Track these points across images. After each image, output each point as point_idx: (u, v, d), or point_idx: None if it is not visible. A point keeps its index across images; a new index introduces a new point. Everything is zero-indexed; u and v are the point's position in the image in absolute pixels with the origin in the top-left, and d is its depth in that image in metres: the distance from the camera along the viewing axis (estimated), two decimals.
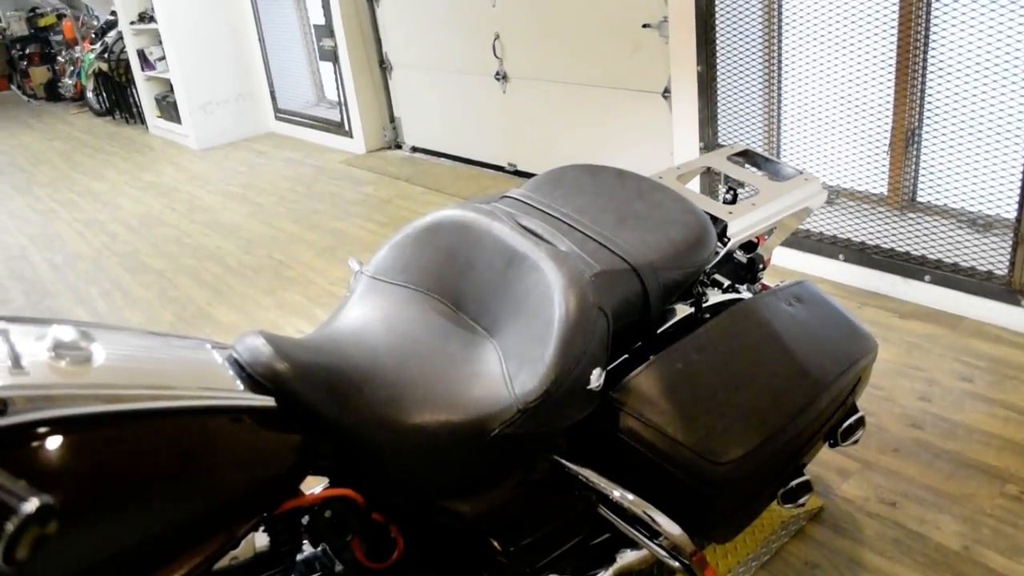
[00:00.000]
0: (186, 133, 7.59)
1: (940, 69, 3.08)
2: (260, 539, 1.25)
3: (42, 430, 0.93)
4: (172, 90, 7.64)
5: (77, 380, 1.01)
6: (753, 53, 3.55)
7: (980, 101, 2.95)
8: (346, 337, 1.42)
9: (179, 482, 1.02)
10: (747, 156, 2.11)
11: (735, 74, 3.60)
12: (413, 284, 1.56)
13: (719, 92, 3.64)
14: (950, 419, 2.52)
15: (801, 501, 1.68)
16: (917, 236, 3.16)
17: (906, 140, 3.25)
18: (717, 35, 3.54)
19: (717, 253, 1.71)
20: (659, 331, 1.65)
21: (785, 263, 3.59)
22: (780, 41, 3.52)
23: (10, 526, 0.71)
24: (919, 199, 3.31)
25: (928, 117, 3.19)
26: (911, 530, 2.12)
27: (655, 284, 1.51)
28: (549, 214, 1.61)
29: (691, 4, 3.55)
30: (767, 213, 1.81)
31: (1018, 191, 2.80)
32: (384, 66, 6.33)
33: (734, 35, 3.53)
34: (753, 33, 3.51)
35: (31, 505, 0.72)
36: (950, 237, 3.07)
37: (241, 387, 1.18)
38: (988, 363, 2.77)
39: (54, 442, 0.93)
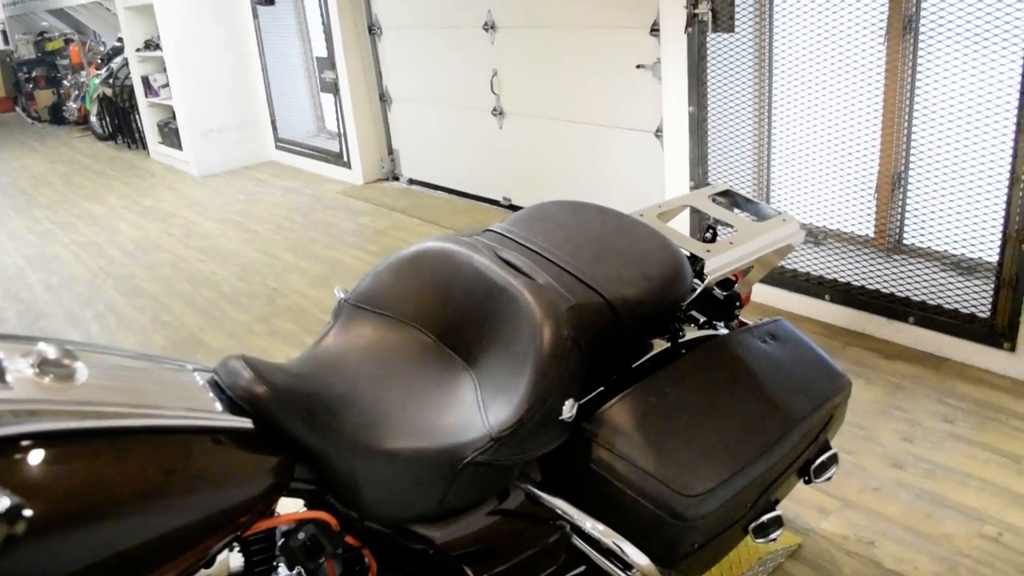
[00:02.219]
0: (187, 159, 7.67)
1: (926, 114, 3.15)
2: (235, 559, 1.27)
3: (23, 443, 0.96)
4: (175, 117, 7.73)
5: (60, 396, 1.04)
6: (744, 95, 3.62)
7: (964, 146, 3.01)
8: (326, 363, 1.45)
9: (155, 499, 1.05)
10: (728, 196, 2.15)
11: (726, 115, 3.66)
12: (394, 313, 1.60)
13: (710, 132, 3.71)
14: (931, 459, 2.54)
15: (772, 536, 1.70)
16: (902, 278, 3.21)
17: (893, 183, 3.31)
18: (709, 77, 3.62)
19: (694, 289, 1.75)
20: (635, 365, 1.69)
21: (771, 301, 3.63)
22: (771, 84, 3.60)
23: None
24: (905, 241, 3.36)
25: (914, 161, 3.25)
26: (888, 569, 2.13)
27: (630, 318, 1.54)
28: (529, 248, 1.65)
29: (684, 46, 3.63)
30: (744, 252, 1.86)
31: (1000, 235, 2.85)
32: (384, 99, 6.42)
33: (726, 77, 3.60)
34: (744, 76, 3.58)
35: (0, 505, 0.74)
36: (934, 279, 3.11)
37: (220, 408, 1.21)
38: (970, 405, 2.79)
39: (34, 455, 0.96)
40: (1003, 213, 2.82)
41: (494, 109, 5.34)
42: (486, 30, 5.16)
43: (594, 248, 1.64)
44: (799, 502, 2.39)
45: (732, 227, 1.98)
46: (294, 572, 1.51)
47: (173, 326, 4.10)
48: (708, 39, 3.56)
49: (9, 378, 1.03)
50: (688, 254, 1.78)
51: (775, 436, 1.56)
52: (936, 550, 2.18)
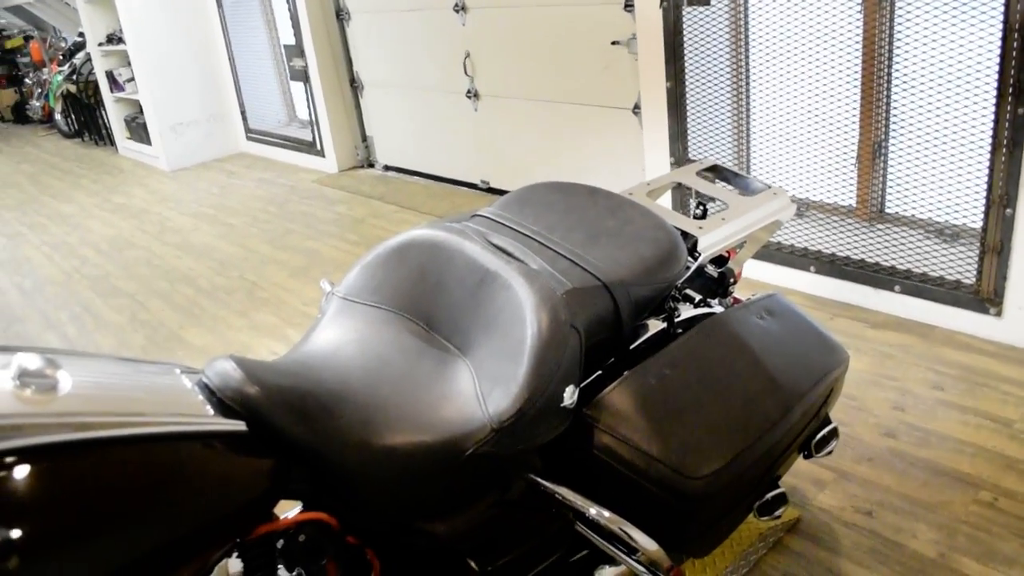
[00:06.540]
0: (156, 154, 7.54)
1: (905, 82, 3.13)
2: (233, 565, 1.23)
3: (8, 460, 0.92)
4: (142, 111, 7.59)
5: (43, 408, 1.00)
6: (721, 69, 3.59)
7: (945, 112, 3.00)
8: (318, 359, 1.41)
9: (149, 510, 1.00)
10: (716, 171, 2.12)
11: (704, 90, 3.63)
12: (385, 305, 1.56)
13: (688, 108, 3.68)
14: (923, 427, 2.54)
15: (777, 513, 1.69)
16: (886, 247, 3.20)
17: (873, 152, 3.30)
18: (685, 51, 3.58)
19: (688, 268, 1.72)
20: (632, 347, 1.66)
21: (757, 275, 3.62)
22: (747, 56, 3.57)
23: None
24: (887, 210, 3.35)
25: (894, 129, 3.24)
26: (887, 539, 2.13)
27: (626, 301, 1.51)
28: (520, 232, 1.61)
29: (659, 21, 3.58)
30: (737, 227, 1.83)
31: (983, 201, 2.84)
32: (355, 85, 6.33)
33: (702, 51, 3.56)
34: (721, 49, 3.55)
35: None
36: (919, 247, 3.11)
37: (211, 412, 1.17)
38: (959, 371, 2.80)
39: (20, 472, 0.92)
40: (986, 179, 2.81)
41: (468, 91, 5.28)
42: (457, 11, 5.08)
43: (587, 230, 1.61)
44: (796, 475, 2.38)
45: (720, 202, 1.95)
46: (294, 574, 1.47)
47: (152, 325, 4.02)
48: (683, 13, 3.52)
49: None
50: (680, 232, 1.75)
51: (778, 413, 1.54)
52: (934, 518, 2.18)
